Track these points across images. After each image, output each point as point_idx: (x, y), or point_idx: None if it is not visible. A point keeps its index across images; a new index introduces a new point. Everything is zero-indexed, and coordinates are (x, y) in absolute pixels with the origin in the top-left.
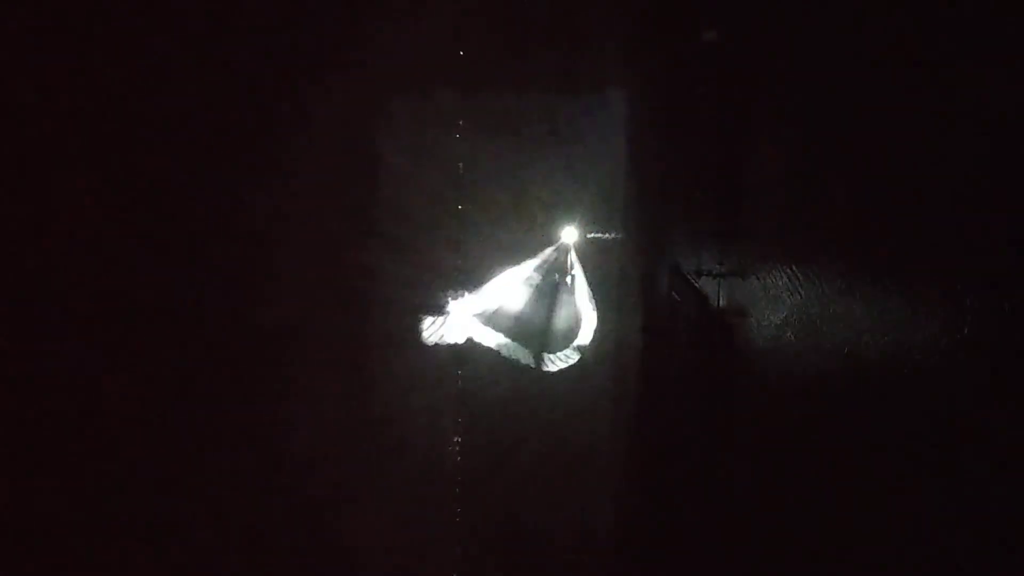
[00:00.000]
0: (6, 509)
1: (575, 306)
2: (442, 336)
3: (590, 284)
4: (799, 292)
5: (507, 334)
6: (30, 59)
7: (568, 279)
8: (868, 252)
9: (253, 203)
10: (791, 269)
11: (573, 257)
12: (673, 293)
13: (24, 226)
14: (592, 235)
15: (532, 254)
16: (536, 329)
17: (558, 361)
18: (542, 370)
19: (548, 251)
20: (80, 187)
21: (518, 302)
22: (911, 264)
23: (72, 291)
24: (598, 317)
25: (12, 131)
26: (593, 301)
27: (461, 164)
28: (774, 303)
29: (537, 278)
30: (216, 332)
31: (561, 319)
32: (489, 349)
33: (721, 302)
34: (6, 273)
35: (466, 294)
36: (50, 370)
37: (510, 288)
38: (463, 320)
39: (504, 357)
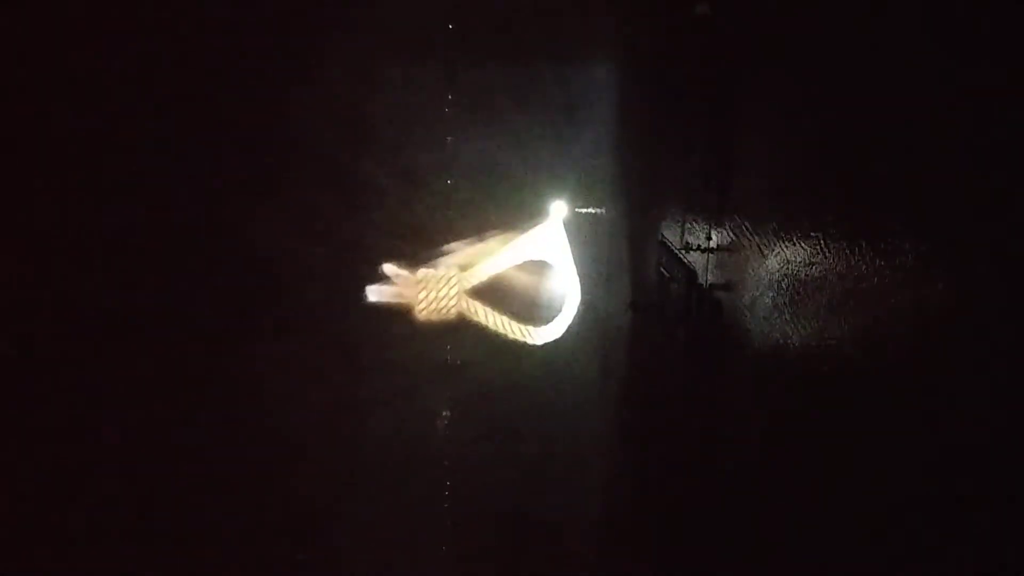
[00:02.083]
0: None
1: (563, 281)
2: (430, 311)
3: (578, 259)
4: (789, 266)
5: (495, 309)
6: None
7: (556, 254)
8: (863, 227)
9: (235, 178)
10: (781, 243)
11: (562, 232)
12: (661, 268)
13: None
14: (581, 209)
15: (520, 229)
16: (524, 304)
17: (545, 336)
18: (530, 345)
19: (536, 225)
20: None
21: (506, 277)
22: (906, 239)
23: (59, 279)
24: (586, 292)
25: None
26: (580, 276)
27: (449, 138)
28: (763, 277)
29: (525, 253)
30: (197, 311)
31: (549, 294)
32: (477, 324)
33: (710, 277)
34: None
35: (454, 268)
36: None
37: (498, 263)
38: (451, 295)
39: (492, 332)
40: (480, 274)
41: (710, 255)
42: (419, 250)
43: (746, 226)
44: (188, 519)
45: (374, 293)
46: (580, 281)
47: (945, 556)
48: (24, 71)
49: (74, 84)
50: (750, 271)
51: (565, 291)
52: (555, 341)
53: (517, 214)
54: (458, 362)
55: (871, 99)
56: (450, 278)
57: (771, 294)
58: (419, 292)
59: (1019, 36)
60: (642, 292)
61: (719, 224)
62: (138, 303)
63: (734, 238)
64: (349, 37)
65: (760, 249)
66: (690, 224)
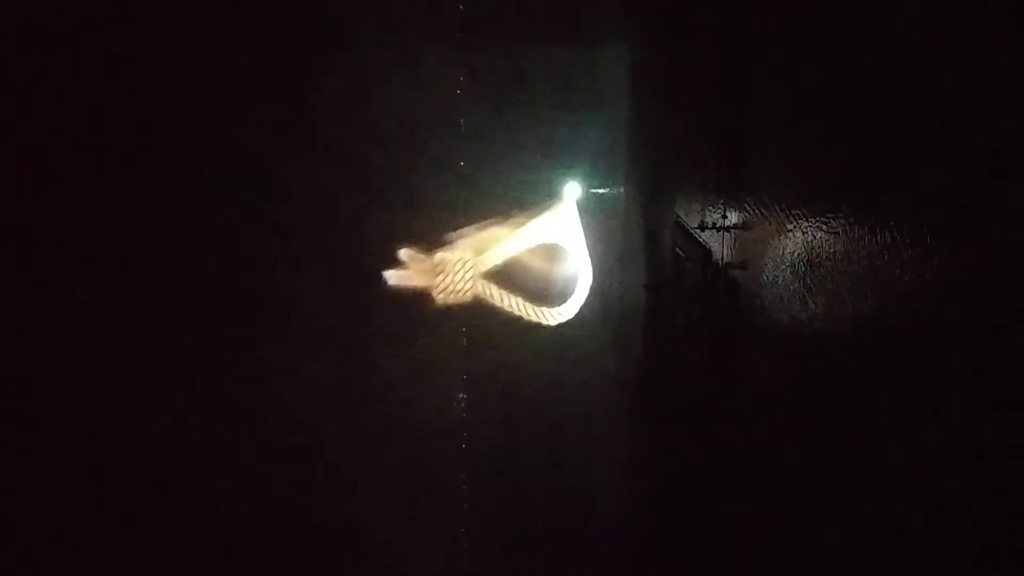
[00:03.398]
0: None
1: (577, 262)
2: (447, 294)
3: (592, 240)
4: (807, 243)
5: (511, 290)
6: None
7: (570, 236)
8: (879, 202)
9: (248, 170)
10: (798, 220)
11: (575, 213)
12: (676, 248)
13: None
14: (595, 190)
15: (534, 211)
16: (538, 286)
17: (559, 317)
18: (545, 326)
19: (550, 207)
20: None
21: (521, 258)
22: (923, 219)
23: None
24: (602, 273)
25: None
26: (594, 257)
27: (462, 120)
28: (780, 255)
29: (540, 235)
30: (214, 302)
31: (563, 276)
32: (493, 306)
33: (725, 256)
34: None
35: (470, 252)
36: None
37: (513, 244)
38: (467, 278)
39: (508, 314)
40: (495, 257)
41: (726, 233)
42: (434, 234)
43: (762, 203)
44: (203, 507)
45: (391, 277)
46: (594, 262)
47: (976, 546)
48: (29, 61)
49: (72, 82)
50: (767, 249)
51: (580, 272)
52: (571, 322)
53: (531, 196)
54: (474, 344)
55: (888, 75)
56: (466, 262)
57: (788, 272)
58: (436, 276)
59: None
60: (657, 272)
61: (734, 202)
62: (150, 290)
63: (750, 216)
64: (359, 21)
65: (777, 226)
66: (705, 203)
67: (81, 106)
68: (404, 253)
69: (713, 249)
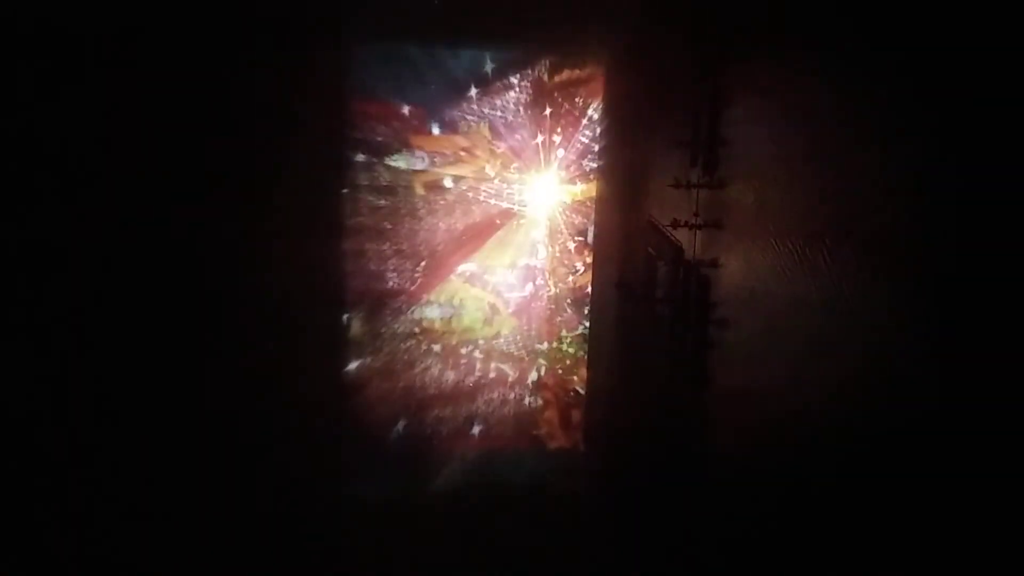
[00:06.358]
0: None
1: (546, 260)
2: (421, 288)
3: (565, 238)
4: (778, 242)
5: (482, 288)
6: None
7: (541, 234)
8: (849, 202)
9: (224, 174)
10: (769, 219)
11: (546, 210)
12: (648, 247)
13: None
14: (565, 187)
15: (508, 205)
16: (509, 281)
17: (529, 310)
18: (515, 321)
19: (521, 204)
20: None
21: (492, 256)
22: (894, 215)
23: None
24: (571, 271)
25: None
26: (563, 255)
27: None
28: (750, 253)
29: (513, 230)
30: (190, 301)
31: (533, 271)
32: (466, 300)
33: (697, 253)
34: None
35: (445, 247)
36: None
37: (486, 241)
38: (441, 273)
39: (481, 306)
40: (469, 253)
41: (697, 231)
42: (408, 230)
43: (734, 201)
44: (172, 501)
45: (368, 275)
46: (564, 260)
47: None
48: None
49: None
50: (736, 246)
51: (547, 269)
52: (542, 317)
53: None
54: (449, 336)
55: (860, 78)
56: (442, 258)
57: (759, 269)
58: (410, 272)
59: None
60: (628, 270)
61: (706, 199)
62: (135, 289)
63: (722, 214)
64: (340, 18)
65: (748, 225)
66: (677, 200)
67: (61, 106)
68: (382, 248)
69: (684, 247)
